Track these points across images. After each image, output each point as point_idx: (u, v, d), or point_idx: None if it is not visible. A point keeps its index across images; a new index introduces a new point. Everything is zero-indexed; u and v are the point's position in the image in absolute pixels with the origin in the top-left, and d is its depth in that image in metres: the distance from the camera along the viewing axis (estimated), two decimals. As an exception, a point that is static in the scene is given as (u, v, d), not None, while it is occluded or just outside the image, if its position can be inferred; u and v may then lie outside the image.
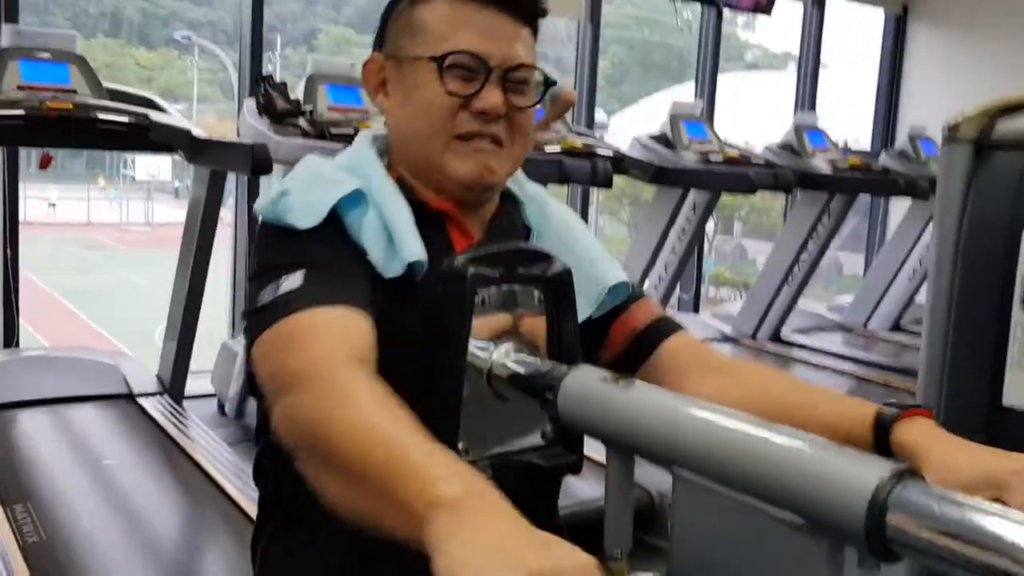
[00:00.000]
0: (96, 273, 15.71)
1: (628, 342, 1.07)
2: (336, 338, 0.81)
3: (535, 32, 1.02)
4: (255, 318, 0.87)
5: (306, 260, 0.88)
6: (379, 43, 1.05)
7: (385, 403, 0.72)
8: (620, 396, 0.79)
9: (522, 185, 1.13)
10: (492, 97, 0.97)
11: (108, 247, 17.47)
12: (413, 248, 0.92)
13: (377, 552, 0.91)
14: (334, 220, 0.92)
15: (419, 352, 0.89)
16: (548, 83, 1.03)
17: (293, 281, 0.86)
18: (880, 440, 0.85)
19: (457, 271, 0.92)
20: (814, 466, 0.61)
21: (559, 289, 1.00)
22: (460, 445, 0.93)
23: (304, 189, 0.94)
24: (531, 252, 1.01)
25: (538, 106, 1.04)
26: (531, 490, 1.07)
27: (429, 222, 0.99)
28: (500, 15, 0.97)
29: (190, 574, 2.06)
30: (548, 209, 1.12)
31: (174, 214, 18.11)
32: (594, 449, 0.88)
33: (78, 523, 2.16)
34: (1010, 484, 0.73)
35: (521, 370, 0.92)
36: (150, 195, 18.43)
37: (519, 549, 0.53)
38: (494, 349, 0.94)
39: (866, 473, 0.57)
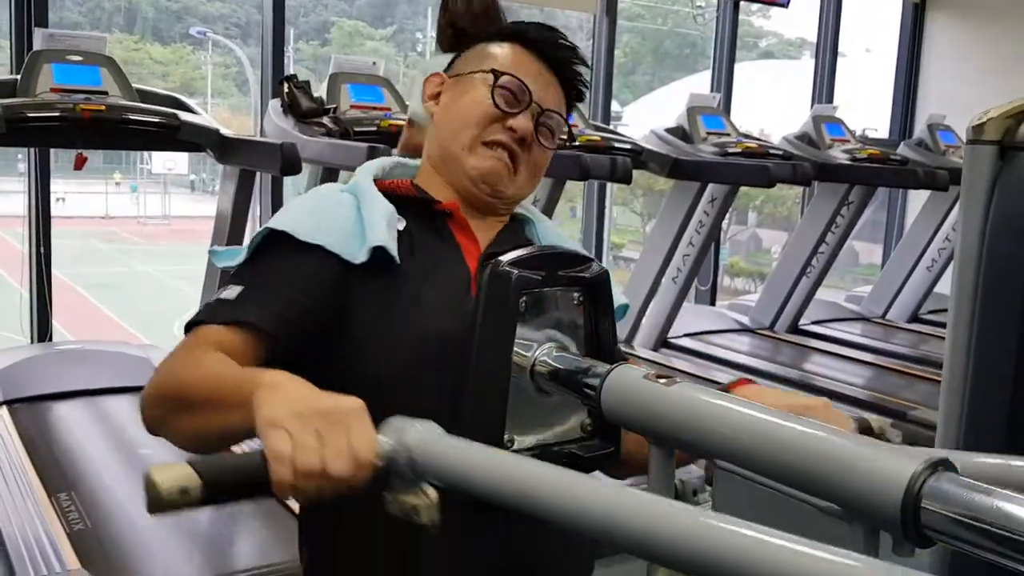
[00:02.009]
0: (115, 266, 15.87)
1: None
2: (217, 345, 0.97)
3: (569, 111, 1.18)
4: (199, 309, 1.03)
5: (251, 276, 1.03)
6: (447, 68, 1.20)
7: (216, 356, 0.93)
8: (662, 393, 0.84)
9: (529, 209, 1.24)
10: (525, 122, 1.11)
11: (126, 240, 17.64)
12: (377, 236, 1.03)
13: (418, 551, 1.00)
14: (286, 237, 1.04)
15: (397, 329, 1.03)
16: (570, 138, 1.22)
17: (230, 293, 1.01)
18: None
19: (503, 274, 0.97)
20: (851, 458, 0.66)
21: (598, 290, 1.05)
22: (505, 436, 0.98)
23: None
24: (570, 255, 1.06)
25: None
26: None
27: (437, 220, 1.12)
28: (552, 75, 1.14)
29: (228, 555, 2.13)
30: (559, 231, 1.24)
31: (190, 207, 18.27)
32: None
33: (121, 510, 2.23)
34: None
35: (563, 367, 0.97)
36: (166, 189, 18.56)
37: (308, 398, 0.76)
38: (536, 347, 0.99)
39: (902, 464, 0.62)
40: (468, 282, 1.09)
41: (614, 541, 0.65)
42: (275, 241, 1.04)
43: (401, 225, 1.07)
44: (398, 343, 1.03)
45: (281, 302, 1.00)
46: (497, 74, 1.10)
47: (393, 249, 1.03)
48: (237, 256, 1.07)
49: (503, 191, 1.13)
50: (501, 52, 1.14)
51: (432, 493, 0.74)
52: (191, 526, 2.23)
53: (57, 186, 3.75)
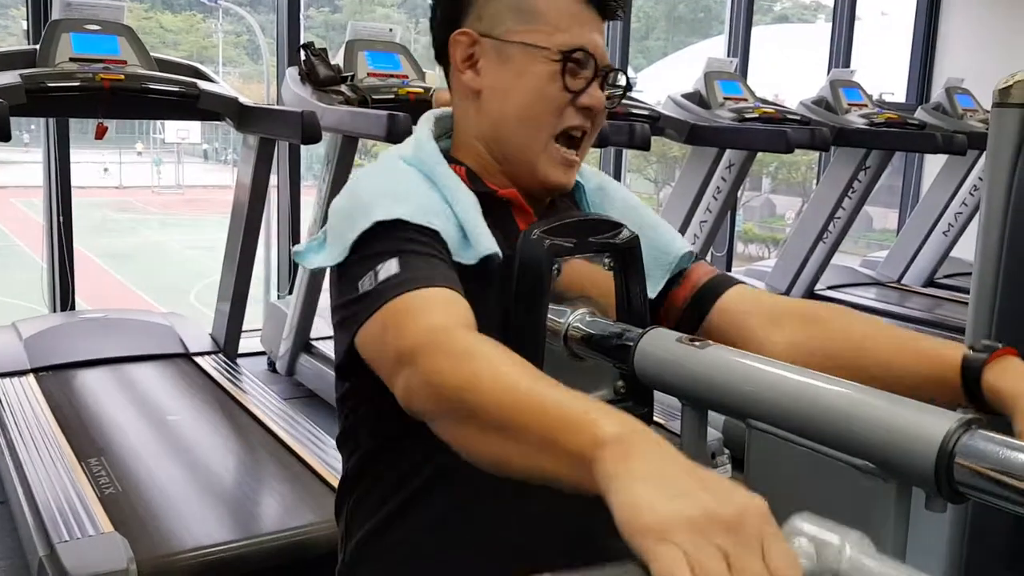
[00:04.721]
0: (129, 236, 15.94)
1: (689, 300, 1.10)
2: (445, 311, 0.82)
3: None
4: (356, 307, 0.87)
5: (397, 249, 0.88)
6: (460, 14, 1.03)
7: (513, 359, 0.74)
8: (695, 355, 0.86)
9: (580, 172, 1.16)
10: (598, 94, 1.00)
11: (140, 210, 17.69)
12: (487, 243, 0.95)
13: (468, 510, 0.98)
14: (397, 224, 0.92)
15: (497, 331, 0.93)
16: (628, 87, 1.06)
17: (389, 269, 0.86)
18: (969, 385, 0.83)
19: (536, 242, 0.99)
20: (886, 417, 0.68)
21: (628, 255, 1.06)
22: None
23: (373, 195, 0.94)
24: (601, 221, 1.07)
25: None
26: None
27: (495, 209, 1.02)
28: (596, 14, 1.00)
29: (258, 517, 2.17)
30: (608, 187, 1.17)
31: (204, 177, 18.28)
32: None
33: (150, 475, 2.28)
34: None
35: (595, 332, 0.99)
36: (180, 158, 18.58)
37: (692, 487, 0.54)
38: (570, 313, 1.01)
39: (936, 422, 0.64)
40: None
41: None
42: (389, 227, 0.90)
43: None
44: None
45: (446, 268, 0.89)
46: (565, 56, 0.96)
47: (499, 254, 0.95)
48: (321, 252, 0.96)
49: (570, 186, 1.07)
50: (548, 7, 0.97)
51: None
52: (221, 489, 2.27)
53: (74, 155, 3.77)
